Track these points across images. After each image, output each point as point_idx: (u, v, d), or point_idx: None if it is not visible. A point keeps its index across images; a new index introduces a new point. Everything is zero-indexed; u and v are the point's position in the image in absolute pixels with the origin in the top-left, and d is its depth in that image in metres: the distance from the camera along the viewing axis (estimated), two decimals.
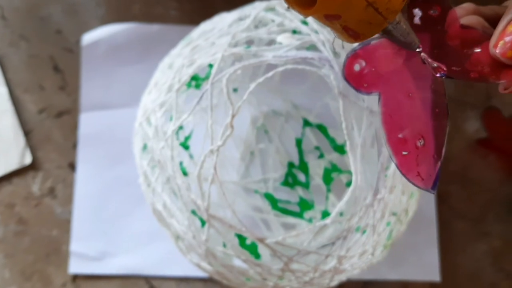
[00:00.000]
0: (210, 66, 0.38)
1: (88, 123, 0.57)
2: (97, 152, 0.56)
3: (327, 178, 0.54)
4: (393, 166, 0.38)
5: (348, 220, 0.37)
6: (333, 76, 0.36)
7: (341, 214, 0.37)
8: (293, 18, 0.39)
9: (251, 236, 0.36)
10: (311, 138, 0.55)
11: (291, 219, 0.53)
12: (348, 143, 0.36)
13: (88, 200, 0.55)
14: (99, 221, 0.55)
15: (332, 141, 0.55)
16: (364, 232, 0.38)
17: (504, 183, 0.55)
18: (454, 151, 0.56)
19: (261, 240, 0.36)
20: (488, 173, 0.56)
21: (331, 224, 0.37)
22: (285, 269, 0.38)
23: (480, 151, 0.56)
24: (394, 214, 0.40)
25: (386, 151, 0.37)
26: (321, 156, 0.55)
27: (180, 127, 0.48)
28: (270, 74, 0.36)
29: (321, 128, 0.55)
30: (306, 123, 0.55)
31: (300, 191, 0.55)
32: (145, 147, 0.40)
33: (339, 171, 0.54)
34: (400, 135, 0.29)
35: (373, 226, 0.38)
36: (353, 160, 0.36)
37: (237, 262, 0.40)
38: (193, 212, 0.38)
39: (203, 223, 0.38)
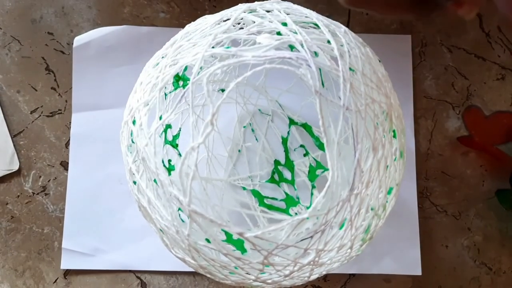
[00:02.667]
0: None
1: (80, 123, 0.58)
2: (88, 151, 0.58)
3: (312, 175, 0.55)
4: (369, 162, 0.39)
5: (325, 214, 0.38)
6: (310, 75, 0.37)
7: (319, 209, 0.38)
8: (273, 19, 0.40)
9: (231, 230, 0.37)
10: (296, 136, 0.57)
11: (277, 215, 0.55)
12: (325, 140, 0.38)
13: (80, 198, 0.57)
14: (90, 218, 0.56)
15: (316, 139, 0.56)
16: (341, 226, 0.40)
17: (485, 179, 0.57)
18: (436, 149, 0.57)
19: (241, 234, 0.37)
20: (469, 170, 0.57)
21: (309, 218, 0.38)
22: (265, 263, 0.39)
23: (461, 148, 0.57)
24: (371, 209, 0.41)
25: (361, 147, 0.38)
26: (306, 154, 0.56)
27: (168, 126, 0.50)
28: (249, 73, 0.37)
29: (306, 127, 0.56)
30: (292, 122, 0.57)
31: (285, 187, 0.56)
32: (130, 145, 0.42)
33: (324, 168, 0.55)
34: None
35: (350, 221, 0.39)
36: (330, 157, 0.37)
37: (220, 257, 0.41)
38: (179, 209, 0.39)
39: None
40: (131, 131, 0.41)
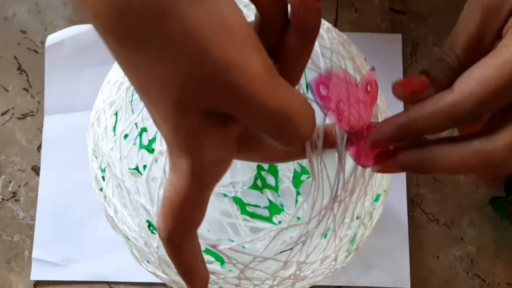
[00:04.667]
0: None
1: (53, 126, 0.56)
2: (61, 155, 0.55)
3: (297, 181, 0.53)
4: (353, 167, 0.37)
5: (306, 224, 0.35)
6: None
7: (299, 218, 0.36)
8: (250, 14, 0.37)
9: (201, 242, 0.34)
10: None
11: (259, 223, 0.52)
12: (307, 146, 0.35)
13: (52, 205, 0.55)
14: (62, 226, 0.54)
15: None
16: (324, 236, 0.37)
17: (478, 186, 0.54)
18: None
19: (213, 247, 0.34)
20: (462, 176, 0.55)
21: (290, 229, 0.35)
22: (241, 277, 0.36)
23: None
24: (357, 217, 0.38)
25: (345, 154, 0.36)
26: None
27: (144, 129, 0.47)
28: None
29: None
30: None
31: (269, 194, 0.54)
32: (96, 149, 0.39)
33: (309, 173, 0.52)
34: None
35: (333, 230, 0.36)
36: (312, 163, 0.35)
37: None
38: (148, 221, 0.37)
39: (154, 229, 0.36)
40: (97, 134, 0.38)
